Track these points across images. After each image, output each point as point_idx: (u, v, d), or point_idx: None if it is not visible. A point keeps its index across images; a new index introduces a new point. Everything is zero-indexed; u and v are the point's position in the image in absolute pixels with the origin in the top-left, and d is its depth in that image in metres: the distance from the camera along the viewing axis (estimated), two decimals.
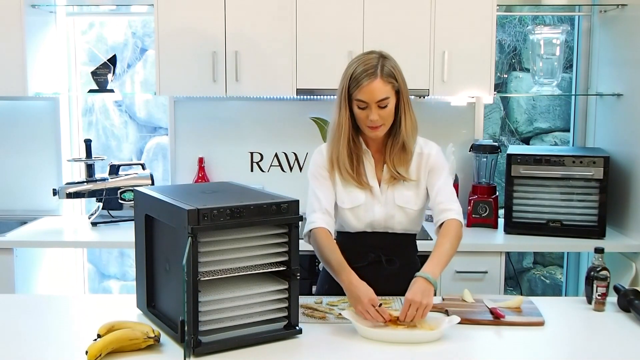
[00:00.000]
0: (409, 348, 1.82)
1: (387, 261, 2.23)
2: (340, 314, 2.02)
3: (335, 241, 2.16)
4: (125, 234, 3.21)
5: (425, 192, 2.25)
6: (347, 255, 2.15)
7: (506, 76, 3.98)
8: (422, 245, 2.42)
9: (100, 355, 1.70)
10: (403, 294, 2.16)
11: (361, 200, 2.20)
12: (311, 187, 2.24)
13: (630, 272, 3.08)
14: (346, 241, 2.26)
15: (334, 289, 2.20)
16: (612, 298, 2.18)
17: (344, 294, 2.11)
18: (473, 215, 3.41)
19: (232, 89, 3.28)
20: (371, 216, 2.21)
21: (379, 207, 2.21)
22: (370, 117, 2.09)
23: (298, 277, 1.88)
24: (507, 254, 3.24)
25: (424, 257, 2.34)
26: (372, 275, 2.14)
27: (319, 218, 2.16)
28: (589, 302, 2.17)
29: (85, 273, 3.96)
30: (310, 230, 2.16)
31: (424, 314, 1.91)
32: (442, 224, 2.19)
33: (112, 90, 3.53)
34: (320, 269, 2.41)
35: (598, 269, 2.14)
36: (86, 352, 1.70)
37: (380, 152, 2.23)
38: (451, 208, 2.20)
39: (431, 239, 3.12)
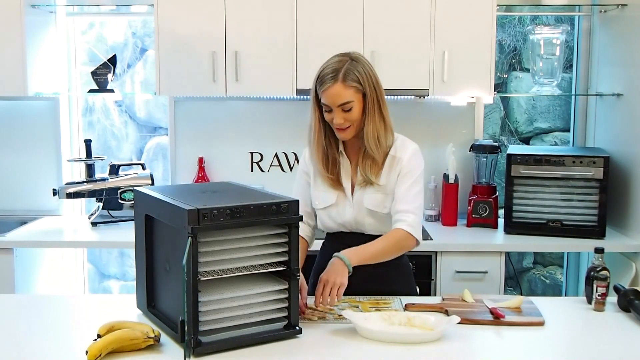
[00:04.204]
0: (409, 348, 1.82)
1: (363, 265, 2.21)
2: (340, 314, 2.02)
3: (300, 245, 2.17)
4: (125, 234, 3.21)
5: None
6: (328, 254, 2.17)
7: (506, 76, 3.98)
8: (421, 245, 2.39)
9: (100, 355, 1.70)
10: (381, 294, 2.22)
11: (332, 200, 2.23)
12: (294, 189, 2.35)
13: (630, 272, 3.08)
14: (328, 241, 2.33)
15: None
16: (612, 298, 2.17)
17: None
18: (473, 215, 3.41)
19: (232, 89, 3.28)
20: (342, 217, 2.24)
21: (350, 209, 2.22)
22: (334, 120, 2.12)
23: (298, 277, 1.88)
24: (507, 254, 3.24)
25: (416, 256, 2.36)
26: (350, 275, 2.16)
27: None
28: (589, 302, 2.16)
29: (85, 273, 3.96)
30: None
31: (338, 294, 1.97)
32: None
33: (112, 90, 3.53)
34: (314, 266, 2.42)
35: (598, 269, 2.13)
36: (86, 352, 1.70)
37: (356, 154, 2.23)
38: (404, 219, 2.15)
39: (431, 239, 3.12)
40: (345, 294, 2.15)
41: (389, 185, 2.21)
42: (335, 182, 2.22)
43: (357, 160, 2.21)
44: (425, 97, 3.55)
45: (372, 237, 2.23)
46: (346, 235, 2.27)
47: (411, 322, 1.93)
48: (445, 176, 3.45)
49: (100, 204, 3.46)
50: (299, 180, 2.34)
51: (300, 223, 2.18)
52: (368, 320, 1.92)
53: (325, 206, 2.24)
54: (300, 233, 2.19)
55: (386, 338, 1.86)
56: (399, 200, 2.18)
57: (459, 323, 1.91)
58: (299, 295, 1.94)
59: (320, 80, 2.11)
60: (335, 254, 2.06)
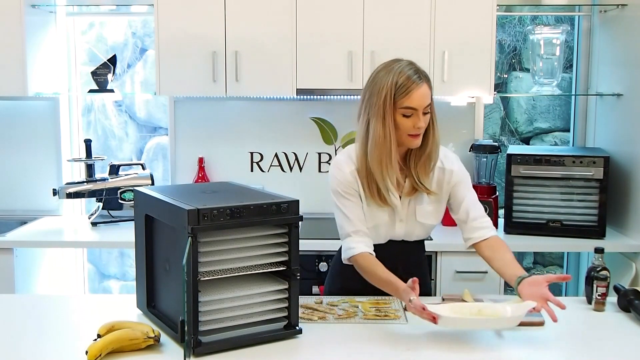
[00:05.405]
0: (409, 348, 1.82)
1: (404, 269, 2.18)
2: (340, 315, 2.01)
3: (376, 261, 2.11)
4: (125, 234, 3.21)
5: (445, 206, 2.23)
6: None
7: (506, 76, 3.98)
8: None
9: (100, 355, 1.70)
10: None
11: (384, 219, 2.17)
12: (339, 207, 2.16)
13: (630, 272, 3.08)
14: None
15: (348, 289, 2.24)
16: (612, 298, 2.18)
17: (358, 294, 2.17)
18: None
19: (232, 89, 3.28)
20: (392, 233, 2.20)
21: (400, 224, 2.19)
22: (418, 124, 2.03)
23: (298, 277, 1.88)
24: None
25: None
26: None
27: (355, 242, 2.12)
28: (589, 302, 2.17)
29: (85, 273, 3.96)
30: (350, 257, 2.14)
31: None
32: (482, 240, 2.16)
33: (112, 90, 3.53)
34: (330, 268, 2.43)
35: (598, 269, 2.14)
36: (86, 352, 1.70)
37: (402, 163, 2.16)
38: (488, 225, 2.18)
39: (431, 239, 3.12)
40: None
41: (441, 197, 2.19)
42: (384, 199, 2.13)
43: (404, 171, 2.15)
44: None
45: (412, 244, 2.25)
46: (386, 244, 2.22)
47: (482, 313, 1.92)
48: None
49: (100, 204, 3.46)
50: (351, 199, 2.14)
51: (363, 238, 2.13)
52: (438, 309, 1.87)
53: (375, 224, 2.17)
54: (368, 250, 2.13)
55: (474, 326, 1.88)
56: (471, 208, 2.17)
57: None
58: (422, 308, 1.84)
59: (403, 84, 2.01)
60: (522, 276, 1.98)
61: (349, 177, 2.14)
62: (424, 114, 2.05)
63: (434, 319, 1.82)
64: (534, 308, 1.85)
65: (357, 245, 2.12)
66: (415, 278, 1.93)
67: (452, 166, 2.19)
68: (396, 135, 2.06)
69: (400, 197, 2.16)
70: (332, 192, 2.18)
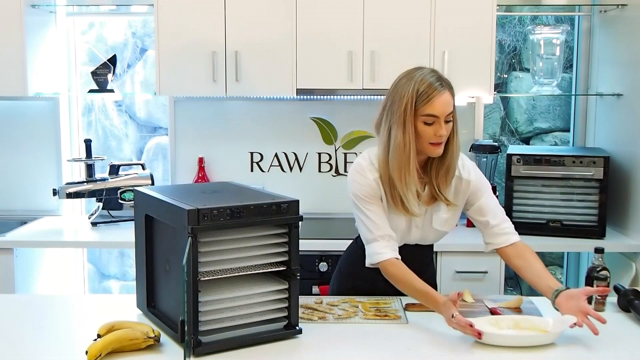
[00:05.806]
0: (409, 348, 1.82)
1: (415, 270, 2.14)
2: (338, 315, 2.01)
3: (407, 269, 2.07)
4: (125, 234, 3.21)
5: (460, 213, 2.24)
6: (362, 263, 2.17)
7: (506, 76, 3.98)
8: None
9: (100, 355, 1.70)
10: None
11: (401, 225, 2.16)
12: (363, 212, 2.13)
13: (630, 272, 3.08)
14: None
15: (360, 290, 2.25)
16: (612, 298, 2.18)
17: (367, 294, 2.18)
18: None
19: (232, 89, 3.28)
20: (407, 238, 2.21)
21: (416, 230, 2.19)
22: (440, 132, 2.01)
23: (298, 277, 1.88)
24: None
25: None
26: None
27: (383, 247, 2.10)
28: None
29: (85, 273, 3.96)
30: (379, 262, 2.11)
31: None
32: (506, 246, 2.18)
33: (112, 90, 3.53)
34: (338, 268, 2.43)
35: (598, 269, 2.14)
36: (86, 352, 1.70)
37: (422, 172, 2.16)
38: (511, 231, 2.19)
39: None
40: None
41: (457, 205, 2.20)
42: (406, 208, 2.11)
43: (423, 179, 2.15)
44: None
45: (424, 247, 2.27)
46: (400, 247, 2.19)
47: (519, 325, 1.92)
48: None
49: (100, 204, 3.46)
50: (375, 203, 2.12)
51: (390, 242, 2.11)
52: (479, 325, 1.86)
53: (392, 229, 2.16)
54: (395, 255, 2.11)
55: (520, 343, 1.84)
56: (493, 214, 2.18)
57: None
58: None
59: (425, 91, 2.00)
60: (558, 290, 1.97)
61: (373, 183, 2.12)
62: (446, 122, 2.03)
63: (479, 334, 1.81)
64: (575, 323, 1.84)
65: (384, 250, 2.10)
66: (460, 292, 1.92)
67: (469, 176, 2.17)
68: (417, 143, 2.04)
69: (418, 204, 2.15)
70: (354, 196, 2.15)
